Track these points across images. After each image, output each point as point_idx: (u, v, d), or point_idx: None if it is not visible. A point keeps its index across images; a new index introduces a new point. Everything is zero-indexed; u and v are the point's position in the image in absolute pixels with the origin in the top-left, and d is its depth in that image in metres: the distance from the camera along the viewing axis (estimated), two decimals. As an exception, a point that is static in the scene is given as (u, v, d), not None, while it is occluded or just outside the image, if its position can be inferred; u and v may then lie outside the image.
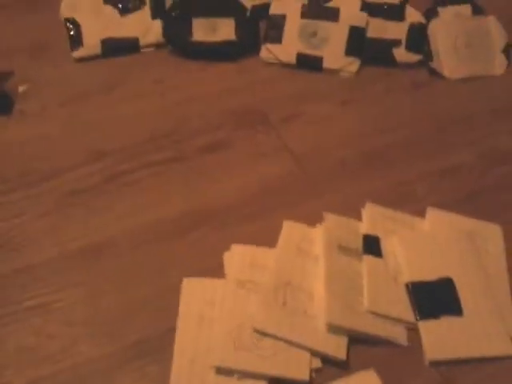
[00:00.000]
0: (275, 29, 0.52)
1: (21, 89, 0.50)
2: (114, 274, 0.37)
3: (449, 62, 0.52)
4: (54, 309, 0.35)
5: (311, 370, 0.32)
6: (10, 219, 0.40)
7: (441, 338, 0.34)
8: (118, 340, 0.33)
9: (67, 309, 0.35)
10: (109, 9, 0.55)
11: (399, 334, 0.34)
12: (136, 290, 0.36)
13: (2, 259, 0.37)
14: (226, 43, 0.51)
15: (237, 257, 0.36)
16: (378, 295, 0.35)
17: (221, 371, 0.31)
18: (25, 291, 0.35)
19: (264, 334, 0.33)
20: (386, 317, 0.34)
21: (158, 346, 0.33)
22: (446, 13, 0.54)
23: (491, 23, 0.53)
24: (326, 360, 0.33)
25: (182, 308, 0.34)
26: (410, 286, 0.36)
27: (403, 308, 0.35)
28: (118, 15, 0.54)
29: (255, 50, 0.52)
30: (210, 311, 0.34)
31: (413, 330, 0.35)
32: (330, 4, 0.53)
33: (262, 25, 0.53)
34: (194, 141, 0.45)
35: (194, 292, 0.35)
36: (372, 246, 0.37)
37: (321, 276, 0.35)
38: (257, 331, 0.33)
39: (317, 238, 0.37)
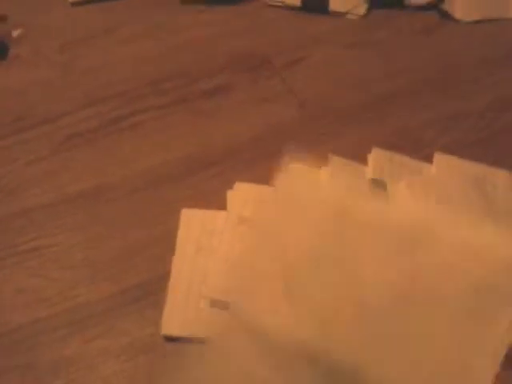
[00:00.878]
0: (279, -31, 0.50)
1: (15, 33, 0.48)
2: (113, 219, 0.36)
3: (461, 2, 0.50)
4: (52, 252, 0.34)
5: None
6: (6, 164, 0.39)
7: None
8: (117, 283, 0.33)
9: (65, 252, 0.34)
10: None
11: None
12: (135, 234, 0.35)
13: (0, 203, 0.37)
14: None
15: (240, 194, 0.35)
16: None
17: (215, 303, 0.31)
18: (21, 235, 0.35)
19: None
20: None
21: (157, 288, 0.32)
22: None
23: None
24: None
25: (180, 236, 0.33)
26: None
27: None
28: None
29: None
30: (208, 241, 0.33)
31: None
32: None
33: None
34: (195, 85, 0.43)
35: (193, 222, 0.34)
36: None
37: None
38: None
39: (321, 180, 0.36)
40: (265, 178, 0.36)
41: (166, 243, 0.34)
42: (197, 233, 0.34)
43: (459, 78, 0.45)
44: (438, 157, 0.39)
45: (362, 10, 0.49)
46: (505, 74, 0.46)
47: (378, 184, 0.36)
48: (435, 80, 0.45)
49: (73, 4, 0.51)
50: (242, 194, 0.35)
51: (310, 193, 0.33)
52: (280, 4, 0.50)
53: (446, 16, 0.49)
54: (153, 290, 0.33)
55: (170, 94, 0.43)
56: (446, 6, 0.49)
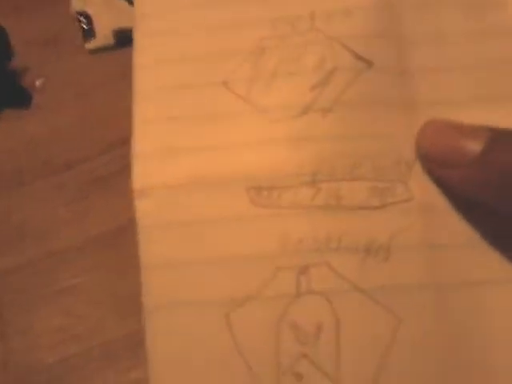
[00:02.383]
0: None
1: (38, 83, 0.52)
2: (136, 256, 0.38)
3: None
4: (80, 291, 0.37)
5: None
6: (35, 208, 0.42)
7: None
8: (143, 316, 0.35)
9: (92, 290, 0.37)
10: (119, 0, 0.56)
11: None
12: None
13: (31, 246, 0.39)
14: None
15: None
16: None
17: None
18: (51, 276, 0.37)
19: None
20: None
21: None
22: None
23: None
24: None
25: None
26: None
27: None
28: (128, 6, 0.55)
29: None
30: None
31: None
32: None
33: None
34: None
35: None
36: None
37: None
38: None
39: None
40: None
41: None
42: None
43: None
44: None
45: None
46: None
47: None
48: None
49: (90, 52, 0.54)
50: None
51: None
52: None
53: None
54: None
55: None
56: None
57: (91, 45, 0.54)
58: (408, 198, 0.19)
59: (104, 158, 0.44)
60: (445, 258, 0.18)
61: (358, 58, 0.20)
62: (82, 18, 0.55)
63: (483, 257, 0.18)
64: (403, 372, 0.17)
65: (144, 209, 0.20)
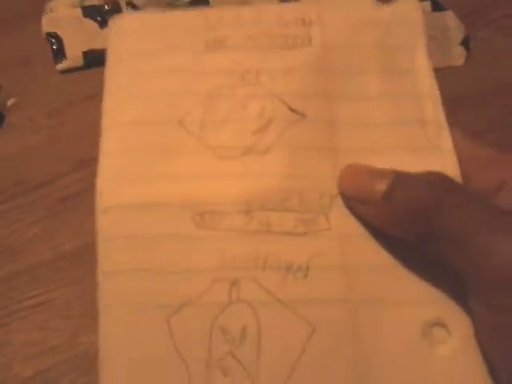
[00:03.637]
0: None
1: (9, 102, 0.53)
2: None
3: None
4: (54, 305, 0.38)
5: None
6: (8, 226, 0.43)
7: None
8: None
9: (66, 305, 0.38)
10: (88, 22, 0.57)
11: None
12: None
13: (4, 263, 0.40)
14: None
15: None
16: None
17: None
18: (25, 291, 0.39)
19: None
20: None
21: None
22: (408, 9, 0.58)
23: (449, 18, 0.57)
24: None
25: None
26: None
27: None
28: (98, 28, 0.57)
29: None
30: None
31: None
32: None
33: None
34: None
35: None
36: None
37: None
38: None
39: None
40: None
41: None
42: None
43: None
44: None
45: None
46: (457, 116, 0.51)
47: None
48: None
49: (61, 72, 0.55)
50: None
51: None
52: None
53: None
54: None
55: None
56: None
57: (62, 66, 0.56)
58: (328, 227, 0.22)
59: (74, 177, 0.46)
60: (357, 278, 0.21)
61: (293, 110, 0.23)
62: (52, 40, 0.56)
63: (392, 278, 0.21)
64: (313, 374, 0.20)
65: (103, 224, 0.23)
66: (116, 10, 0.57)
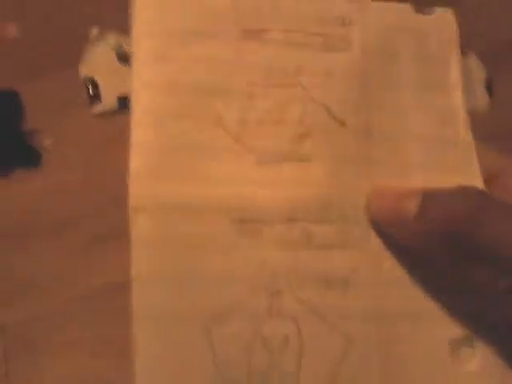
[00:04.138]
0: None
1: (46, 143, 0.55)
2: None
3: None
4: (85, 342, 0.39)
5: None
6: (41, 262, 0.44)
7: None
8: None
9: (97, 342, 0.39)
10: (123, 67, 0.60)
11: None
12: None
13: (36, 300, 0.42)
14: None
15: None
16: None
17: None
18: (55, 328, 0.40)
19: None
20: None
21: None
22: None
23: (471, 60, 0.58)
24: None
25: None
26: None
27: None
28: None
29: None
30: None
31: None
32: None
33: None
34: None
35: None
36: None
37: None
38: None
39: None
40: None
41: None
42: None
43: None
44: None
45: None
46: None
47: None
48: None
49: (96, 116, 0.58)
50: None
51: None
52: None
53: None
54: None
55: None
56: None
57: (97, 109, 0.58)
58: (365, 240, 0.22)
59: (108, 214, 0.47)
60: (392, 293, 0.22)
61: (334, 117, 0.23)
62: (89, 84, 0.59)
63: (423, 295, 0.22)
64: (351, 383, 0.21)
65: (137, 225, 0.22)
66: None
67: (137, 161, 0.23)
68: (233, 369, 0.20)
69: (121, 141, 0.55)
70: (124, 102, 0.58)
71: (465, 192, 0.21)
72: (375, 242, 0.22)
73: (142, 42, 0.24)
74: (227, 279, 0.21)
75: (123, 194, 0.50)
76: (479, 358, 0.21)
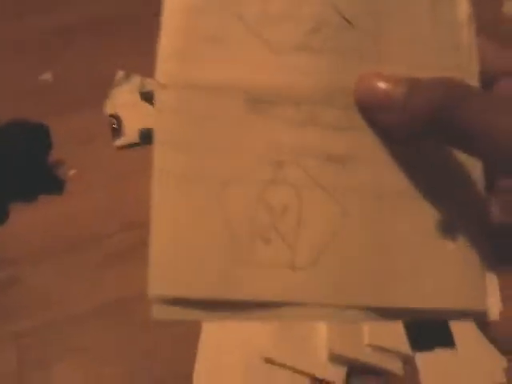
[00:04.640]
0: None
1: (71, 173, 0.59)
2: (146, 320, 0.43)
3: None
4: (95, 350, 0.41)
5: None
6: (58, 276, 0.47)
7: (437, 369, 0.39)
8: (152, 376, 0.39)
9: (106, 350, 0.41)
10: (145, 105, 0.65)
11: (395, 364, 0.39)
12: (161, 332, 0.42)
13: (52, 311, 0.44)
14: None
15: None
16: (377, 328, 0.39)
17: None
18: (67, 337, 0.42)
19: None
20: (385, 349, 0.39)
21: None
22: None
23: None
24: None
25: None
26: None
27: (400, 341, 0.40)
28: (153, 109, 0.64)
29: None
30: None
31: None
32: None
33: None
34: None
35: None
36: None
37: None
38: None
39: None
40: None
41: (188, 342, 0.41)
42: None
43: None
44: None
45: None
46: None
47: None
48: None
49: (118, 148, 0.62)
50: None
51: None
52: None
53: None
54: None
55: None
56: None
57: (119, 142, 0.62)
58: (366, 127, 0.24)
59: (122, 236, 0.50)
60: (387, 174, 0.24)
61: (344, 18, 0.25)
62: (112, 119, 0.63)
63: (413, 174, 0.24)
64: (344, 250, 0.23)
65: (162, 98, 0.24)
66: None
67: (165, 43, 0.24)
68: (238, 226, 0.22)
69: (140, 172, 0.59)
70: (145, 136, 0.63)
71: (448, 82, 0.22)
72: (374, 128, 0.24)
73: None
74: (237, 149, 0.23)
75: (137, 219, 0.54)
76: (461, 239, 0.23)
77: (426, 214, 0.24)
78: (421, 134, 0.22)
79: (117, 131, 0.62)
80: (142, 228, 0.50)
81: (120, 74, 0.68)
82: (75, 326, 0.43)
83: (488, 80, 0.25)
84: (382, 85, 0.23)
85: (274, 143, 0.23)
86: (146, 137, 0.62)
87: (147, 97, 0.65)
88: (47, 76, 0.69)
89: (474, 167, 0.24)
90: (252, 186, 0.23)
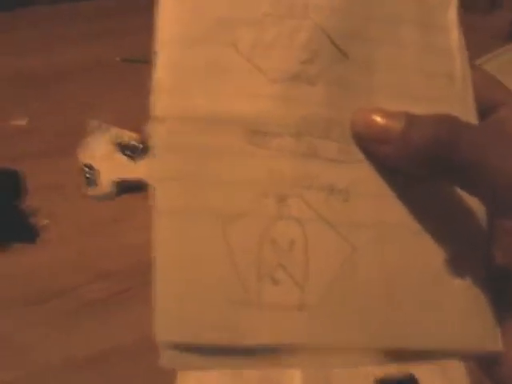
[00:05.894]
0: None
1: (44, 222, 0.60)
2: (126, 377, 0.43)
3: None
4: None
5: None
6: (24, 327, 0.47)
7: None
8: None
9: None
10: (121, 156, 0.66)
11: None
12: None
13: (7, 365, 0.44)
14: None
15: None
16: None
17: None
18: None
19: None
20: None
21: None
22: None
23: None
24: None
25: None
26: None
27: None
28: (127, 160, 0.66)
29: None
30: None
31: None
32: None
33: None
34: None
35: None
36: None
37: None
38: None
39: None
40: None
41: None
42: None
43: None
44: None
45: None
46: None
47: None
48: None
49: (91, 198, 0.63)
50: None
51: None
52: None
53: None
54: None
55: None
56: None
57: (92, 192, 0.63)
58: (366, 159, 0.24)
59: (96, 286, 0.51)
60: (391, 207, 0.24)
61: (337, 48, 0.25)
62: (86, 169, 0.64)
63: (416, 210, 0.24)
64: (351, 287, 0.22)
65: (159, 132, 0.23)
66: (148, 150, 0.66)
67: (160, 75, 0.24)
68: (245, 266, 0.22)
69: (113, 222, 0.60)
70: (119, 187, 0.63)
71: (444, 119, 0.22)
72: (373, 160, 0.24)
73: None
74: (239, 184, 0.23)
75: (111, 269, 0.54)
76: (466, 276, 0.23)
77: (431, 250, 0.23)
78: (419, 168, 0.22)
79: (90, 181, 0.63)
80: (115, 277, 0.51)
81: (93, 123, 0.70)
82: (49, 378, 0.43)
83: (485, 109, 0.25)
84: (379, 119, 0.23)
85: (276, 175, 0.23)
86: (121, 188, 0.64)
87: (123, 149, 0.67)
88: (21, 121, 0.70)
89: (478, 203, 0.24)
90: (256, 222, 0.22)
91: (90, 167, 0.65)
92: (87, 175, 0.64)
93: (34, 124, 0.71)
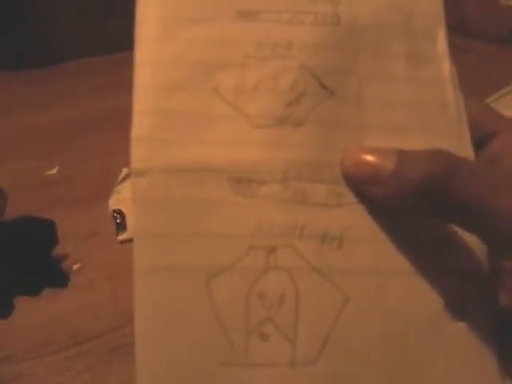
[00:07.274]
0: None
1: (75, 267, 0.60)
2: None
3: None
4: None
5: None
6: (59, 374, 0.47)
7: None
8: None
9: None
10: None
11: None
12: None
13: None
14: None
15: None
16: None
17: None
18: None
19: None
20: None
21: None
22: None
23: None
24: None
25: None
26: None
27: None
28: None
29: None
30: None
31: None
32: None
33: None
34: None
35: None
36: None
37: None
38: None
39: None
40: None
41: None
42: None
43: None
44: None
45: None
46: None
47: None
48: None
49: (121, 242, 0.63)
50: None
51: None
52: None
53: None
54: None
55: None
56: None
57: (122, 237, 0.64)
58: (358, 201, 0.23)
59: (125, 330, 0.51)
60: (386, 252, 0.22)
61: (324, 86, 0.24)
62: (116, 214, 0.65)
63: (418, 252, 0.23)
64: (348, 341, 0.21)
65: (139, 186, 0.22)
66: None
67: (139, 127, 0.23)
68: (231, 323, 0.21)
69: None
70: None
71: (438, 154, 0.21)
72: (365, 202, 0.23)
73: (145, 25, 0.24)
74: (225, 236, 0.22)
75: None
76: (469, 317, 0.22)
77: (431, 295, 0.22)
78: (414, 207, 0.22)
79: (120, 226, 0.64)
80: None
81: (125, 170, 0.71)
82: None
83: (480, 139, 0.25)
84: (369, 158, 0.22)
85: (263, 225, 0.22)
86: (150, 231, 0.63)
87: (150, 193, 0.67)
88: (52, 171, 0.72)
89: (477, 243, 0.23)
90: (243, 276, 0.21)
91: (120, 212, 0.66)
92: (117, 220, 0.65)
93: (64, 173, 0.73)
